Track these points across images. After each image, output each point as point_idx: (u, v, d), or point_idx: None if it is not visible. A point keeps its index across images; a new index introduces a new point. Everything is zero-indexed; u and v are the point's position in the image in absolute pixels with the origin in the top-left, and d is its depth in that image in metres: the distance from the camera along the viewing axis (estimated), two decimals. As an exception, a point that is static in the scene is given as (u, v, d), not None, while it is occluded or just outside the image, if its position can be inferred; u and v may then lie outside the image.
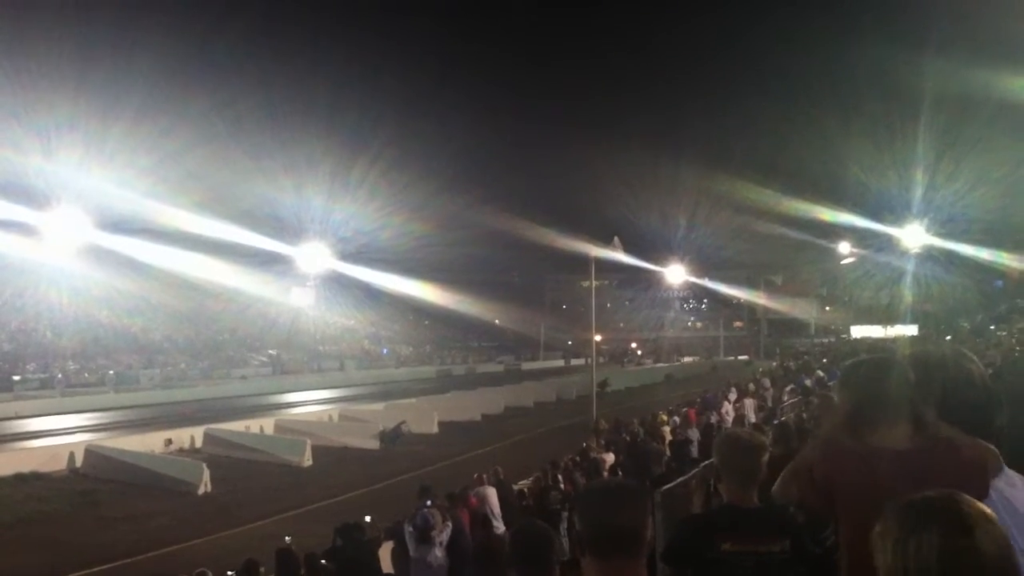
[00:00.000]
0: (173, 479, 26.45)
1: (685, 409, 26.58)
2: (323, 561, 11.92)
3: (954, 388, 3.15)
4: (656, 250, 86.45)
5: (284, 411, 44.12)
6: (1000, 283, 63.43)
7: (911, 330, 69.74)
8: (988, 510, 1.74)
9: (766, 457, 4.00)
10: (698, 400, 29.72)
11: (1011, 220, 53.73)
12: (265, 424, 36.92)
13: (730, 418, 24.21)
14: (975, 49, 49.09)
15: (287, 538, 14.08)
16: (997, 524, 1.71)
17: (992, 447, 2.99)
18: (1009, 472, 2.99)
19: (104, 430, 36.99)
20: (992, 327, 34.58)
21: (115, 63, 58.97)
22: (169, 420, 37.29)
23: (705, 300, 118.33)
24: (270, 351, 76.11)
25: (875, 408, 3.09)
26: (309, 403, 49.54)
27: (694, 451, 18.66)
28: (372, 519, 14.72)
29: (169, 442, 32.79)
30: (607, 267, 53.70)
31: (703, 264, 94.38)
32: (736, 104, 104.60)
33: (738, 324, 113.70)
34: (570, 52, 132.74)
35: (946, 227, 67.15)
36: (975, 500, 1.74)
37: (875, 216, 72.65)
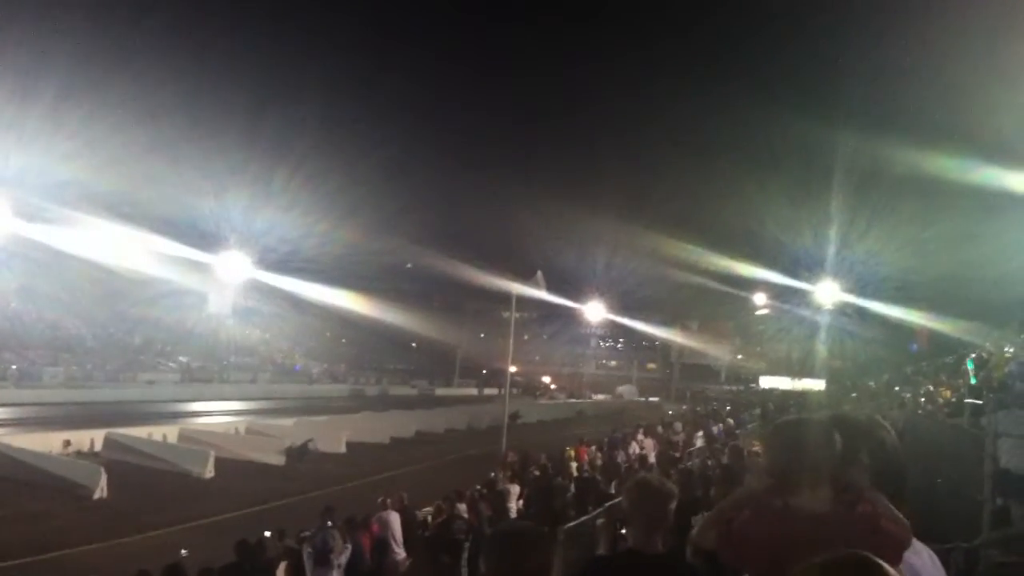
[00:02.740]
0: (68, 481, 25.72)
1: (577, 446, 26.80)
2: (218, 577, 11.72)
3: (865, 456, 3.22)
4: (576, 288, 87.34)
5: (190, 420, 43.30)
6: (915, 347, 65.14)
7: (819, 384, 71.22)
8: (895, 574, 1.77)
9: (674, 504, 4.03)
10: (606, 439, 29.96)
11: (918, 280, 55.36)
12: (169, 432, 36.10)
13: (635, 458, 24.45)
14: (883, 121, 51.50)
15: (183, 551, 13.82)
16: None
17: (905, 520, 3.06)
18: (916, 543, 3.07)
19: (0, 426, 36.03)
20: (897, 388, 35.40)
21: (30, 51, 57.34)
22: (70, 421, 36.30)
23: (621, 340, 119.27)
24: (180, 358, 74.78)
25: (799, 469, 3.13)
26: (216, 413, 48.71)
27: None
28: (273, 534, 14.54)
29: (68, 443, 31.95)
30: (528, 300, 53.97)
31: (621, 305, 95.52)
32: (655, 158, 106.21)
33: (651, 366, 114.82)
34: (498, 92, 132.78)
35: (858, 285, 68.88)
36: (885, 565, 1.78)
37: (790, 272, 74.34)
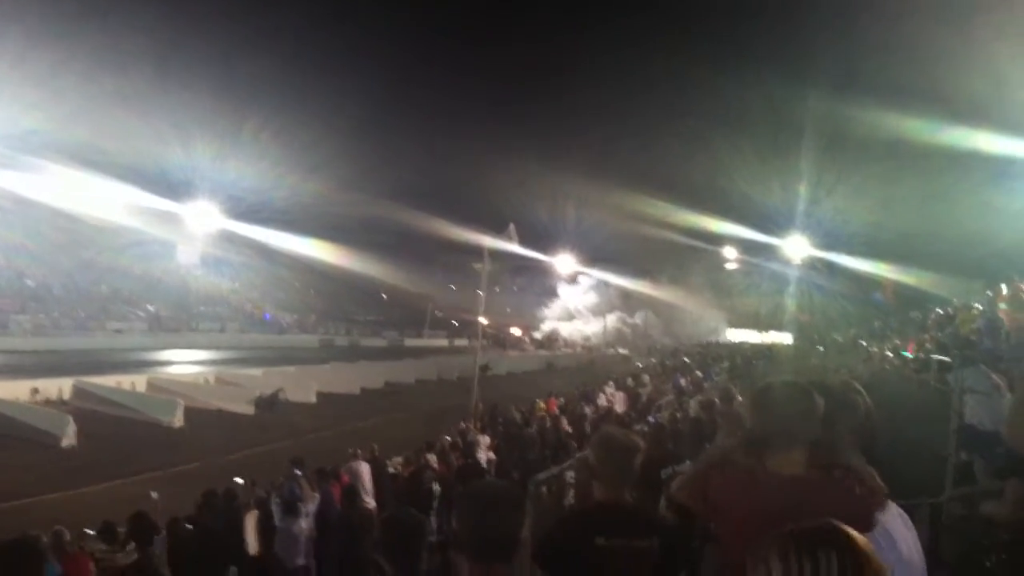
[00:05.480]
0: (36, 430, 25.68)
1: (547, 398, 27.06)
2: (187, 525, 11.72)
3: (841, 420, 3.24)
4: (547, 241, 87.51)
5: (159, 369, 43.21)
6: (878, 296, 65.78)
7: (786, 338, 71.90)
8: (868, 542, 1.78)
9: (640, 458, 4.04)
10: (576, 391, 30.17)
11: (886, 236, 55.90)
12: (137, 381, 36.08)
13: (603, 410, 24.60)
14: (851, 80, 52.01)
15: (153, 494, 13.82)
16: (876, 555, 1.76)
17: (882, 484, 3.08)
18: (888, 503, 3.10)
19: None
20: (863, 343, 35.75)
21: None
22: (37, 369, 36.05)
23: (591, 293, 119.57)
24: (149, 307, 74.31)
25: (779, 433, 3.14)
26: (185, 363, 48.57)
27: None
28: (245, 481, 14.57)
29: (36, 392, 31.85)
30: (500, 252, 53.96)
31: (592, 258, 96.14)
32: (626, 114, 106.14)
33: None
34: (469, 47, 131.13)
35: (826, 240, 69.48)
36: (856, 535, 1.78)
37: (759, 227, 74.83)
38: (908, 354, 22.32)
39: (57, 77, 56.61)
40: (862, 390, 3.50)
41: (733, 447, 3.36)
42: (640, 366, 48.26)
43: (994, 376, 9.47)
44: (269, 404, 34.40)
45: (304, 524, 11.58)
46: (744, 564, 1.83)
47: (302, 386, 38.81)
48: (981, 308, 21.41)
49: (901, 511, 3.20)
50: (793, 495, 2.90)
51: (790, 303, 77.34)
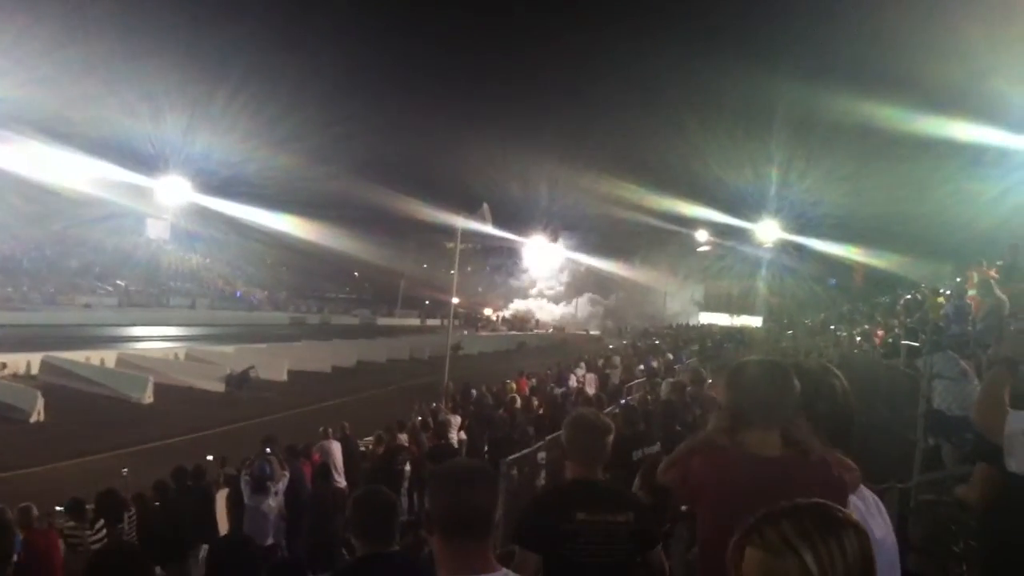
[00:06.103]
0: (4, 405, 25.51)
1: (517, 378, 27.07)
2: (156, 503, 11.68)
3: (818, 402, 3.24)
4: (521, 221, 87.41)
5: (128, 345, 42.92)
6: (833, 281, 66.54)
7: (756, 321, 72.40)
8: (859, 521, 1.80)
9: (611, 438, 4.11)
10: (548, 372, 30.20)
11: (856, 219, 56.51)
12: (107, 356, 35.84)
13: (574, 391, 24.66)
14: (825, 66, 52.69)
15: (123, 470, 13.79)
16: None
17: (854, 465, 3.10)
18: (861, 487, 3.12)
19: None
20: (832, 327, 35.97)
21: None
22: (6, 343, 35.71)
23: (564, 273, 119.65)
24: (118, 281, 73.77)
25: (756, 412, 3.12)
26: (155, 339, 48.25)
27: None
28: (215, 458, 14.54)
29: (3, 366, 31.58)
30: (473, 232, 53.98)
31: (564, 240, 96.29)
32: (600, 98, 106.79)
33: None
34: (444, 24, 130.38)
35: (797, 224, 70.12)
36: (848, 513, 1.81)
37: (732, 210, 75.38)
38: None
39: (24, 46, 56.00)
40: (839, 373, 3.51)
41: (719, 430, 3.36)
42: (611, 347, 48.41)
43: (962, 362, 9.54)
44: (240, 381, 34.20)
45: (273, 502, 11.55)
46: (724, 543, 1.83)
47: (273, 363, 38.64)
48: (949, 293, 21.56)
49: (874, 494, 3.23)
50: (773, 475, 2.90)
51: (761, 286, 78.01)
